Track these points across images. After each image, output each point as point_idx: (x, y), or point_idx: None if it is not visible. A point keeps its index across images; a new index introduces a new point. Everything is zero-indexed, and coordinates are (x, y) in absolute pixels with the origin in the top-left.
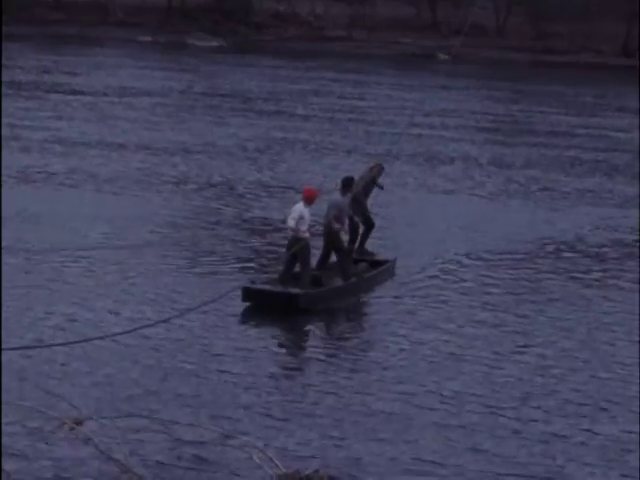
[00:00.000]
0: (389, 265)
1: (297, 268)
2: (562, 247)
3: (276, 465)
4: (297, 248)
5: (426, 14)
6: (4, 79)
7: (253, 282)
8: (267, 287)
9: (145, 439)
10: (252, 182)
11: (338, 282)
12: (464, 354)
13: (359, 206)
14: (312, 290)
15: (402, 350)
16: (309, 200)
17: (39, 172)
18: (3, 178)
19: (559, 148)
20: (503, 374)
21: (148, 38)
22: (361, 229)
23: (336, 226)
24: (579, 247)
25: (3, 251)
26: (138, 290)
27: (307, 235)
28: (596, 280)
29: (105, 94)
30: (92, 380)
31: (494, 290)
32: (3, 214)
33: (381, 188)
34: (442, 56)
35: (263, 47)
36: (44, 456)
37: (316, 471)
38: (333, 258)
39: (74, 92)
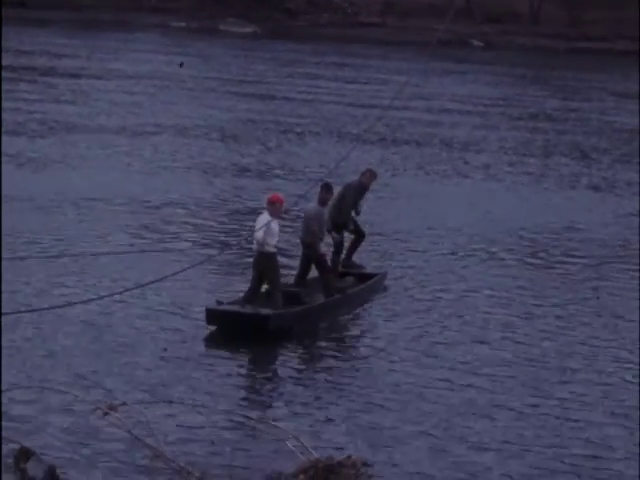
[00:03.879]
0: (378, 278)
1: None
2: (567, 243)
3: (309, 451)
4: (263, 267)
5: (460, 0)
6: (28, 64)
7: (220, 302)
8: (235, 308)
9: (178, 425)
10: (229, 165)
11: (320, 299)
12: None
13: (347, 216)
14: (285, 310)
15: (390, 371)
16: (275, 210)
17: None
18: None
19: (555, 133)
20: (501, 390)
21: (182, 24)
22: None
23: (321, 247)
24: (584, 239)
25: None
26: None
27: (274, 250)
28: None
29: (99, 77)
30: (118, 364)
31: (487, 301)
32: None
33: (357, 213)
34: (476, 43)
35: (297, 33)
36: (77, 441)
37: (349, 457)
38: (313, 273)
39: (68, 75)
